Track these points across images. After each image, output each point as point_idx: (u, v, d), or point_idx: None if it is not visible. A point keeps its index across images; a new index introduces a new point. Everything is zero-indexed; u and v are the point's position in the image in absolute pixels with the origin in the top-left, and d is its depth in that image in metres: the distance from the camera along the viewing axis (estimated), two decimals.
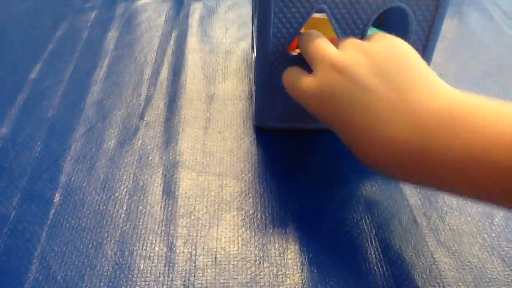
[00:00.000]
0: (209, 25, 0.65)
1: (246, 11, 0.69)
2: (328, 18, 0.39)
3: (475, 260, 0.36)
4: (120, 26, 0.65)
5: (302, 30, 0.43)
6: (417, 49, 0.40)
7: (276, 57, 0.41)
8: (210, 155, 0.44)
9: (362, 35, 0.39)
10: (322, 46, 0.35)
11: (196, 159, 0.44)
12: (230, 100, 0.51)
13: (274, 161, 0.44)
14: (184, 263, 0.35)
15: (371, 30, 0.41)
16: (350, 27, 0.39)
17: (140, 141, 0.46)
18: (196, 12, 0.68)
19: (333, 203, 0.40)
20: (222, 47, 0.60)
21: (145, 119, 0.49)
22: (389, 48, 0.33)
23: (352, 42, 0.35)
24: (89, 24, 0.65)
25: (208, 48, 0.60)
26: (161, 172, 0.42)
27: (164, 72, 0.55)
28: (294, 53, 0.41)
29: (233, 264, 0.35)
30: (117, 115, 0.49)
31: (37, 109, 0.50)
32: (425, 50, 0.41)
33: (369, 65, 0.32)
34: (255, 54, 0.43)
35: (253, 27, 0.51)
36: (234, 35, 0.63)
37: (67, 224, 0.38)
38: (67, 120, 0.48)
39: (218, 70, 0.56)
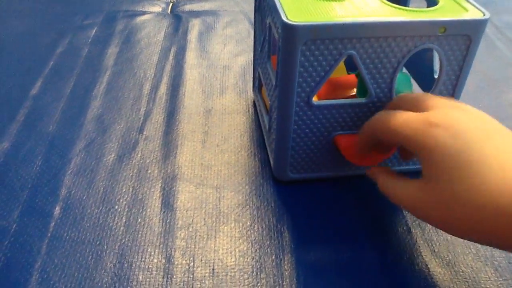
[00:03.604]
0: (207, 41, 0.66)
1: (244, 27, 0.70)
2: (356, 64, 0.37)
3: (469, 270, 0.36)
4: (120, 43, 0.66)
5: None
6: (447, 89, 0.39)
7: (300, 107, 0.38)
8: (208, 168, 0.45)
9: (392, 80, 0.37)
10: (409, 116, 0.31)
11: (194, 172, 0.45)
12: (228, 114, 0.52)
13: (271, 174, 0.44)
14: (182, 274, 0.36)
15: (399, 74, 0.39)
16: (379, 72, 0.37)
17: (139, 155, 0.46)
18: (194, 29, 0.69)
19: (330, 215, 0.41)
20: (220, 62, 0.61)
21: (144, 133, 0.49)
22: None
23: (440, 102, 0.32)
24: (89, 40, 0.66)
25: (206, 64, 0.61)
26: (159, 185, 0.43)
27: (163, 87, 0.56)
28: (319, 103, 0.39)
29: (231, 275, 0.36)
30: (116, 129, 0.50)
31: (38, 124, 0.50)
32: (455, 89, 0.39)
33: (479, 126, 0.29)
34: (263, 100, 0.42)
35: (258, 69, 0.49)
36: (231, 51, 0.64)
37: (67, 237, 0.38)
38: (67, 135, 0.49)
39: (216, 85, 0.57)
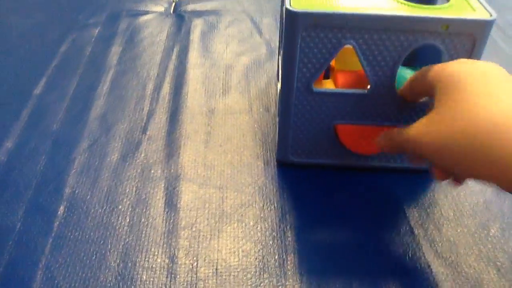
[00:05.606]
0: (210, 40, 0.66)
1: (246, 26, 0.70)
2: (356, 55, 0.37)
3: (471, 271, 0.36)
4: (123, 42, 0.66)
5: (332, 63, 0.43)
6: None
7: (301, 92, 0.40)
8: (211, 168, 0.45)
9: (392, 73, 0.38)
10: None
11: (197, 172, 0.45)
12: (230, 114, 0.52)
13: (274, 174, 0.45)
14: (186, 274, 0.36)
15: (401, 69, 0.39)
16: (379, 64, 0.37)
17: (142, 155, 0.47)
18: (197, 28, 0.69)
19: (334, 217, 0.41)
20: (223, 62, 0.62)
21: (148, 133, 0.50)
22: None
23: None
24: (92, 39, 0.66)
25: (209, 63, 0.61)
26: (163, 185, 0.43)
27: (166, 87, 0.57)
28: (319, 90, 0.40)
29: (234, 275, 0.36)
30: (120, 129, 0.50)
31: (42, 123, 0.51)
32: None
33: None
34: (279, 87, 0.43)
35: (279, 57, 0.50)
36: (234, 50, 0.64)
37: (71, 236, 0.38)
38: (71, 134, 0.49)
39: (219, 85, 0.57)
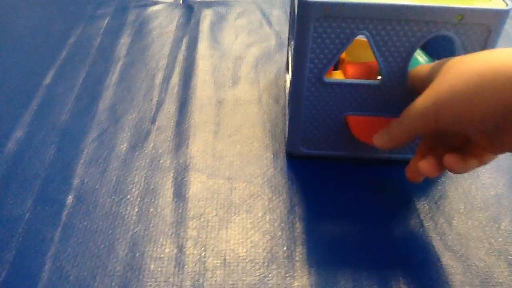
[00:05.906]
0: (219, 31, 0.66)
1: (256, 17, 0.70)
2: (369, 45, 0.37)
3: (482, 264, 0.36)
4: (132, 33, 0.66)
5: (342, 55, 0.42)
6: None
7: (312, 83, 0.39)
8: (220, 158, 0.45)
9: (405, 64, 0.38)
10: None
11: (206, 162, 0.45)
12: (240, 105, 0.52)
13: (283, 165, 0.44)
14: (194, 264, 0.36)
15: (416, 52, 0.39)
16: (392, 55, 0.37)
17: (151, 145, 0.47)
18: (206, 19, 0.69)
19: (343, 207, 0.41)
20: (232, 53, 0.61)
21: (157, 123, 0.49)
22: None
23: None
24: (101, 31, 0.66)
25: (218, 54, 0.61)
26: (172, 175, 0.43)
27: (175, 78, 0.56)
28: (331, 80, 0.40)
29: (242, 266, 0.36)
30: (129, 119, 0.50)
31: (51, 114, 0.51)
32: None
33: None
34: (289, 78, 0.43)
35: (289, 48, 0.50)
36: (243, 41, 0.64)
37: (80, 225, 0.38)
38: (80, 125, 0.49)
39: (228, 76, 0.57)
